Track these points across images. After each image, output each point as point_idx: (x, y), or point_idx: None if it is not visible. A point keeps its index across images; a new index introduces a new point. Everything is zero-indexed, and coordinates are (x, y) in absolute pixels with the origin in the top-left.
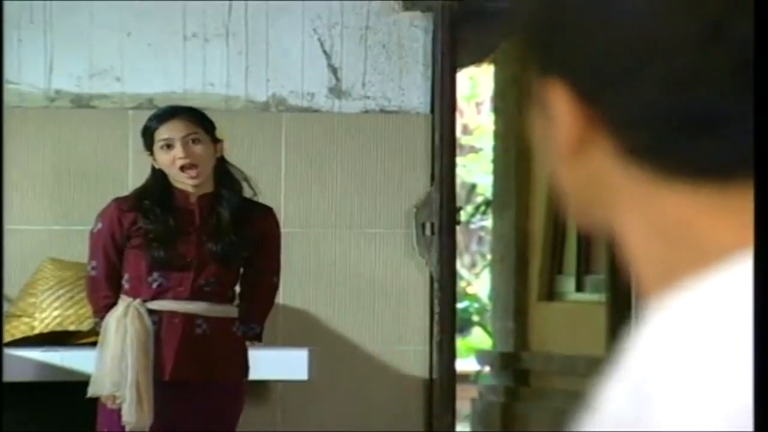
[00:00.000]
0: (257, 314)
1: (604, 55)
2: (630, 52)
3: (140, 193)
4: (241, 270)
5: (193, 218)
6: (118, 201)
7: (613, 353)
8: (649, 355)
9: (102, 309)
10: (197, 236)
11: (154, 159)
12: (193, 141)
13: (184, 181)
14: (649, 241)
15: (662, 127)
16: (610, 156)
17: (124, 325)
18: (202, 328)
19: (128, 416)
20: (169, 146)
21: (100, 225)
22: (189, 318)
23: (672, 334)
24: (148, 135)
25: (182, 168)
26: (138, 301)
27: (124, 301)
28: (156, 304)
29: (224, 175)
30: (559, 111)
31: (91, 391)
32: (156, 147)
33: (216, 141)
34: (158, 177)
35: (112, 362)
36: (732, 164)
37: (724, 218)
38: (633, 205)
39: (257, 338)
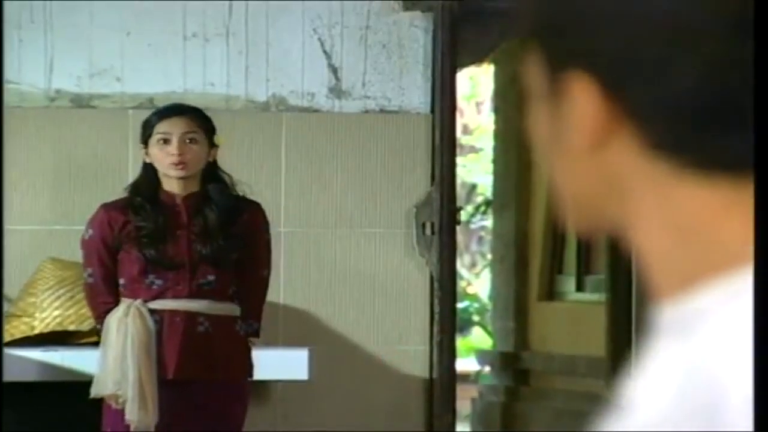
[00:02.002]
0: (252, 310)
1: (631, 46)
2: (657, 43)
3: (131, 190)
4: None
5: (181, 218)
6: (106, 206)
7: (639, 351)
8: (706, 346)
9: (102, 314)
10: (186, 236)
11: (147, 153)
12: (190, 140)
13: (170, 174)
14: (667, 239)
15: (689, 121)
16: (631, 151)
17: (125, 324)
18: (204, 326)
19: (131, 415)
20: (165, 141)
21: (90, 232)
22: (191, 316)
23: (714, 327)
24: (148, 127)
25: (172, 164)
26: (139, 300)
27: (124, 301)
28: (157, 304)
29: (212, 176)
30: (581, 103)
31: (94, 392)
32: (152, 140)
33: (212, 145)
34: (148, 173)
35: (114, 362)
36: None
37: (742, 214)
38: (651, 202)
39: (255, 334)
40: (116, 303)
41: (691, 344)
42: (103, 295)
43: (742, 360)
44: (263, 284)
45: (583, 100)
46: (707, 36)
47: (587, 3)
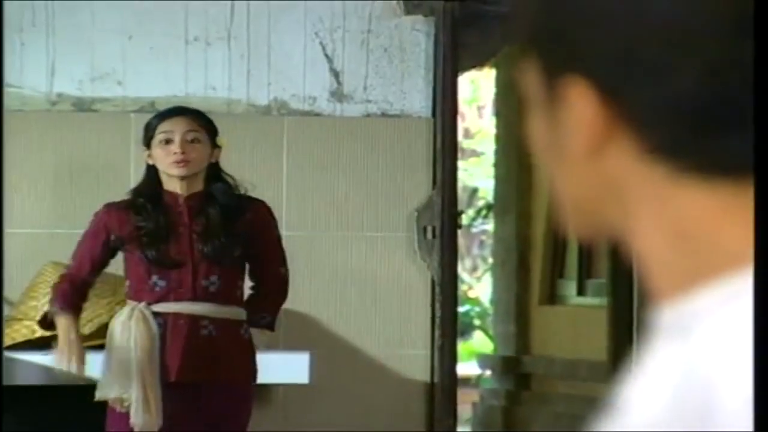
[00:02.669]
0: (267, 305)
1: (629, 49)
2: (656, 45)
3: (133, 192)
4: (248, 266)
5: (183, 217)
6: (109, 206)
7: (640, 354)
8: (701, 347)
9: (53, 300)
10: (188, 236)
11: (150, 155)
12: (193, 140)
13: (172, 173)
14: (666, 243)
15: (688, 124)
16: (630, 155)
17: (129, 327)
18: (207, 330)
19: (136, 418)
20: (168, 141)
21: (89, 227)
22: (194, 319)
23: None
24: (149, 129)
25: (175, 162)
26: (143, 304)
27: (129, 304)
28: (161, 307)
29: (215, 176)
30: (579, 108)
31: (99, 395)
32: (155, 141)
33: (214, 146)
34: (151, 175)
35: (118, 365)
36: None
37: (742, 217)
38: (650, 207)
39: (269, 327)
40: (73, 303)
41: (689, 346)
42: (67, 284)
43: (739, 362)
44: (280, 280)
45: (581, 104)
46: (707, 37)
47: (584, 7)
